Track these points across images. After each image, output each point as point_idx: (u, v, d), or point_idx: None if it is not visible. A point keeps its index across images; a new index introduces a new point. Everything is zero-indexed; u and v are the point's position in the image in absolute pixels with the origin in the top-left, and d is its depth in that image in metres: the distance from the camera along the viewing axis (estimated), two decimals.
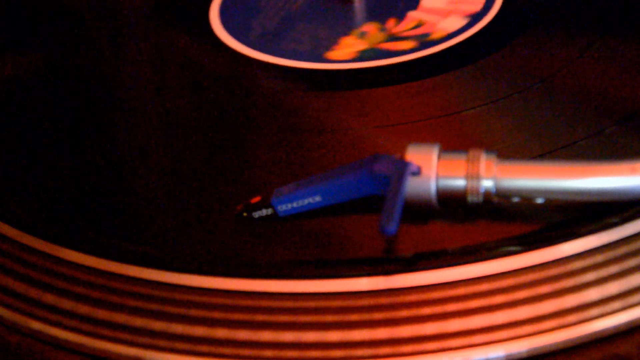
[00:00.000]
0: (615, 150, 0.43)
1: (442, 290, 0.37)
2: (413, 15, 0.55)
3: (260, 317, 0.37)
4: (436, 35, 0.53)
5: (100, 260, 0.40)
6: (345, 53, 0.53)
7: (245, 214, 0.41)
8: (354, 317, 0.37)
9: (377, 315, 0.36)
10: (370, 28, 0.54)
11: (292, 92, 0.50)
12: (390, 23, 0.55)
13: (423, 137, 0.45)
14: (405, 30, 0.54)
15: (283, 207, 0.40)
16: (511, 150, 0.43)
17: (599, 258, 0.37)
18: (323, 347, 0.36)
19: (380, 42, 0.53)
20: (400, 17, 0.55)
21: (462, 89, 0.48)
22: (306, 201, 0.40)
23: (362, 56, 0.52)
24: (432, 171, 0.39)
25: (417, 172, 0.39)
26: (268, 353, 0.36)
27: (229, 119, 0.48)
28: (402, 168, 0.38)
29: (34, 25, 0.58)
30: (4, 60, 0.55)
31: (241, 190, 0.43)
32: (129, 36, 0.57)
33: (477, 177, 0.38)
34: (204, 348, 0.37)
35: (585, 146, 0.43)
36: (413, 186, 0.39)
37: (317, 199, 0.40)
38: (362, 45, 0.53)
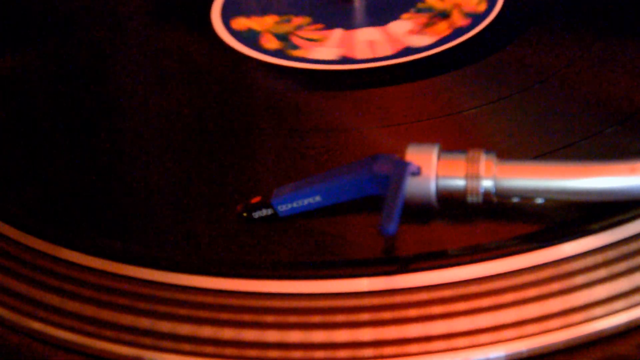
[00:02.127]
0: (615, 151, 0.43)
1: (441, 291, 0.37)
2: (335, 32, 0.55)
3: (260, 318, 0.37)
4: (296, 53, 0.53)
5: (100, 260, 0.40)
6: (242, 25, 0.54)
7: (245, 214, 0.41)
8: (354, 317, 0.37)
9: (377, 316, 0.36)
10: (298, 20, 0.56)
11: (292, 92, 0.50)
12: (316, 26, 0.55)
13: (423, 137, 0.44)
14: (301, 37, 0.54)
15: (283, 207, 0.40)
16: (511, 150, 0.43)
17: (599, 258, 0.38)
18: (323, 348, 0.36)
19: (269, 32, 0.54)
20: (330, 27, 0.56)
21: (462, 89, 0.48)
22: (306, 201, 0.40)
23: (242, 35, 0.54)
24: (432, 171, 0.39)
25: (417, 172, 0.39)
26: (268, 353, 0.36)
27: (229, 119, 0.48)
28: (402, 168, 0.38)
29: (34, 25, 0.58)
30: (4, 60, 0.55)
31: (241, 190, 0.43)
32: (129, 36, 0.57)
33: (477, 177, 0.38)
34: (204, 348, 0.37)
35: (585, 146, 0.43)
36: (413, 186, 0.39)
37: (317, 199, 0.40)
38: (258, 26, 0.54)
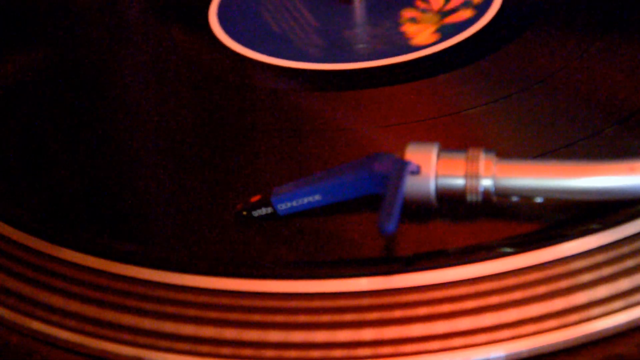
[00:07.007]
0: (615, 150, 0.43)
1: (441, 290, 0.37)
2: None
3: (259, 317, 0.37)
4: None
5: (100, 260, 0.40)
6: (425, 37, 0.53)
7: (245, 213, 0.41)
8: (354, 317, 0.37)
9: (377, 315, 0.36)
10: (413, 13, 0.55)
11: (292, 92, 0.50)
12: (421, 5, 0.55)
13: (423, 137, 0.44)
14: (445, 4, 0.54)
15: (283, 206, 0.40)
16: (511, 150, 0.43)
17: (599, 258, 0.38)
18: (322, 347, 0.36)
19: (441, 19, 0.53)
20: None
21: (462, 89, 0.48)
22: (306, 200, 0.40)
23: (445, 33, 0.53)
24: (432, 170, 0.39)
25: (417, 171, 0.39)
26: (268, 353, 0.36)
27: (229, 119, 0.48)
28: (401, 167, 0.38)
29: (34, 25, 0.58)
30: (4, 60, 0.55)
31: (241, 189, 0.43)
32: (129, 36, 0.57)
33: (476, 176, 0.38)
34: (204, 348, 0.37)
35: (584, 146, 0.43)
36: (412, 185, 0.39)
37: (317, 197, 0.40)
38: (432, 27, 0.53)
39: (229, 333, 0.37)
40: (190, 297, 0.38)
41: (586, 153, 0.42)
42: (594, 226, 0.38)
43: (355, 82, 0.50)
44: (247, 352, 0.36)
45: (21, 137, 0.48)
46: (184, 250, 0.40)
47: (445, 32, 0.52)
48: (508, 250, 0.38)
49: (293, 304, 0.37)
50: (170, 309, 0.38)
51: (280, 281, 0.38)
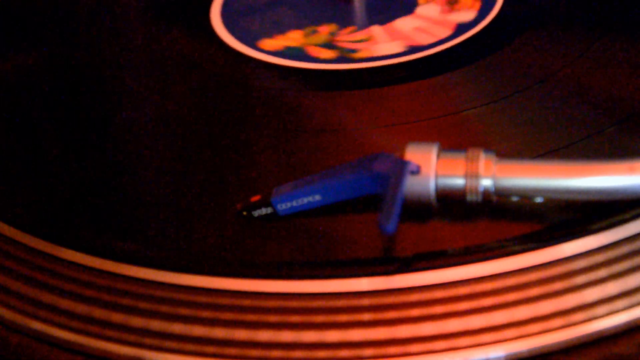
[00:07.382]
0: (615, 150, 0.43)
1: (441, 290, 0.37)
2: (373, 29, 0.55)
3: (259, 317, 0.37)
4: (360, 54, 0.52)
5: (100, 260, 0.40)
6: (275, 45, 0.53)
7: (245, 213, 0.41)
8: (354, 317, 0.37)
9: (377, 316, 0.36)
10: (325, 29, 0.55)
11: (292, 92, 0.50)
12: (347, 29, 0.55)
13: (423, 137, 0.44)
14: (346, 41, 0.54)
15: (283, 206, 0.40)
16: (511, 150, 0.43)
17: (599, 258, 0.37)
18: (322, 347, 0.36)
19: (311, 44, 0.53)
20: (363, 26, 0.55)
21: (462, 89, 0.48)
22: (306, 200, 0.40)
23: (284, 53, 0.53)
24: (432, 170, 0.39)
25: (417, 171, 0.39)
26: (268, 353, 0.36)
27: (229, 119, 0.48)
28: (401, 167, 0.38)
29: (34, 25, 0.58)
30: (4, 60, 0.55)
31: (241, 189, 0.43)
32: (129, 36, 0.58)
33: (476, 176, 0.38)
34: (204, 348, 0.37)
35: (584, 146, 0.43)
36: (412, 185, 0.39)
37: (317, 197, 0.40)
38: (293, 42, 0.53)
39: (228, 333, 0.37)
40: (190, 297, 0.38)
41: (586, 153, 0.42)
42: (594, 227, 0.38)
43: (355, 82, 0.50)
44: (253, 352, 0.36)
45: (21, 137, 0.48)
46: (184, 250, 0.40)
47: (290, 53, 0.53)
48: (508, 250, 0.38)
49: (292, 303, 0.37)
50: (170, 309, 0.38)
51: (279, 281, 0.38)
